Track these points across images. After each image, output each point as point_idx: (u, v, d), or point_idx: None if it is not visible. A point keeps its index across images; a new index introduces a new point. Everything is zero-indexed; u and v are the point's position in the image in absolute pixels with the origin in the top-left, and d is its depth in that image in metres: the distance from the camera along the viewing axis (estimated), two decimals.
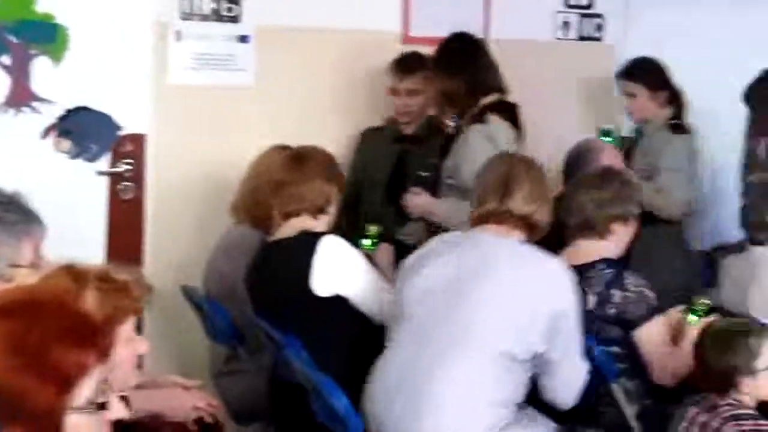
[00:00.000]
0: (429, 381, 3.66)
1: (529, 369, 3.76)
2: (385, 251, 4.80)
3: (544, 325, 3.71)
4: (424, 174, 5.17)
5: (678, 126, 5.44)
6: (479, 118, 4.98)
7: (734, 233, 5.34)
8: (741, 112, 5.19)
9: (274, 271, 4.23)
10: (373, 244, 4.68)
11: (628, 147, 5.51)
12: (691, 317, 4.34)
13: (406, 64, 5.36)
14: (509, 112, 5.04)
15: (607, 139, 5.35)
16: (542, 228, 3.96)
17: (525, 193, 3.91)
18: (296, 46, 5.37)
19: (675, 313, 4.31)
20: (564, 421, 3.95)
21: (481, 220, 3.95)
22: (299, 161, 4.29)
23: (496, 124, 4.95)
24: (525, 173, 3.96)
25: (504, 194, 3.90)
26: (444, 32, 5.45)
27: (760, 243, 4.60)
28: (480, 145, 4.84)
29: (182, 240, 5.18)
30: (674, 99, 5.47)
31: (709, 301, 4.43)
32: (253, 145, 4.84)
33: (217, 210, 4.93)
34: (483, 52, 5.11)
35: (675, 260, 5.37)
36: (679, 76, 5.71)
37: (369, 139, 5.53)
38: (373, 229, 4.70)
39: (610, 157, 4.97)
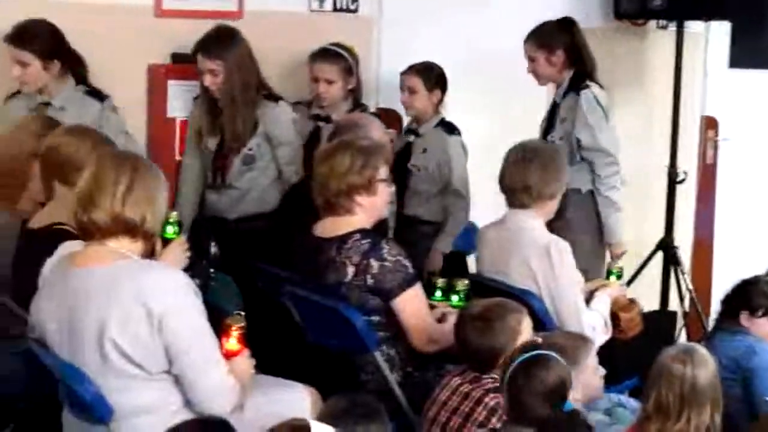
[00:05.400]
0: None
1: None
2: None
3: None
4: None
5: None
6: None
7: None
8: None
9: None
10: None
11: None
12: (453, 299, 4.44)
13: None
14: None
15: None
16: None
17: None
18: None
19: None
20: (325, 388, 3.92)
21: None
22: None
23: None
24: None
25: None
26: (199, 5, 5.39)
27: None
28: None
29: None
30: None
31: (468, 282, 4.51)
32: None
33: None
34: None
35: None
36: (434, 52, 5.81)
37: None
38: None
39: (378, 131, 5.00)
